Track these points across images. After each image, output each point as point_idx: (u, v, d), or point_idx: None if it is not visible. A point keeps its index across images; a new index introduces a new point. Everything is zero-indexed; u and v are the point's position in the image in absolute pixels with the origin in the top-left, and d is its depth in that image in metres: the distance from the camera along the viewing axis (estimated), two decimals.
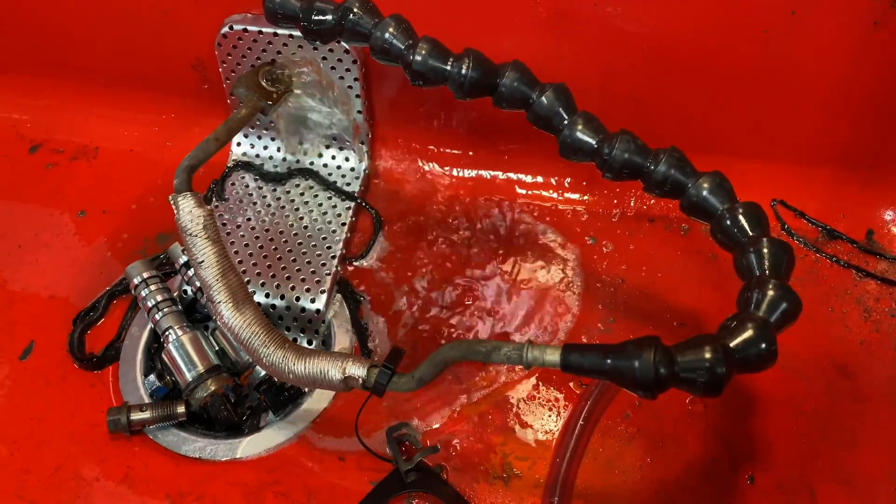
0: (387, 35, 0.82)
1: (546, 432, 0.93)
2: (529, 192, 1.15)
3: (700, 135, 1.08)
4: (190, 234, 0.85)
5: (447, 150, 1.17)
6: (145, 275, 1.01)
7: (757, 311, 0.68)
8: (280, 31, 1.03)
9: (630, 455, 0.90)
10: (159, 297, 1.00)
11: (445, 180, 1.17)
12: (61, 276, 1.07)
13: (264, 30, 1.03)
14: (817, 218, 1.08)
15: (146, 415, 0.94)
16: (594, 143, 0.80)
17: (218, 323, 0.88)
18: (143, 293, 1.00)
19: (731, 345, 0.66)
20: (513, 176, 1.15)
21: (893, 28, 0.91)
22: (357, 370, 0.80)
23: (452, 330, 1.02)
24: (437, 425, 0.93)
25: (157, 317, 0.99)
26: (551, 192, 1.14)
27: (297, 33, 0.90)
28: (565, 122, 0.81)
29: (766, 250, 0.72)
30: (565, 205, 1.13)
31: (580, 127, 0.80)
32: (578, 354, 0.67)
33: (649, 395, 0.65)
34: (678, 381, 0.65)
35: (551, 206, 1.13)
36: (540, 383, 0.97)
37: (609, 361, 0.65)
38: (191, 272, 1.02)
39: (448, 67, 0.81)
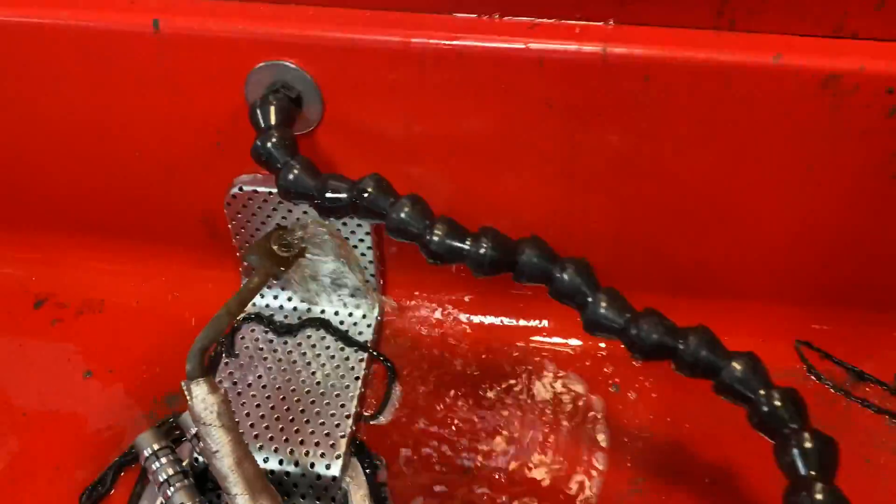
0: (402, 216, 0.81)
1: None
2: (547, 339, 1.12)
3: (721, 278, 1.07)
4: (204, 424, 0.82)
5: (460, 296, 1.15)
6: (156, 446, 0.98)
7: None
8: None
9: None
10: (171, 471, 0.96)
11: (460, 328, 1.14)
12: (68, 447, 1.03)
13: (273, 191, 1.02)
14: (844, 360, 1.05)
15: None
16: (621, 322, 0.78)
17: None
18: (153, 466, 0.97)
19: None
20: (529, 323, 1.13)
21: None
22: None
23: (476, 496, 0.98)
24: None
25: (169, 492, 0.95)
26: (570, 338, 1.12)
27: None
28: (588, 299, 0.79)
29: (809, 446, 0.69)
30: (585, 351, 1.11)
31: (604, 305, 0.78)
32: None
33: None
34: None
35: (572, 353, 1.11)
36: None
37: None
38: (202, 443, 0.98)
39: (466, 247, 0.80)
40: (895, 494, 0.94)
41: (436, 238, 0.80)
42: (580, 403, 1.05)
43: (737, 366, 0.74)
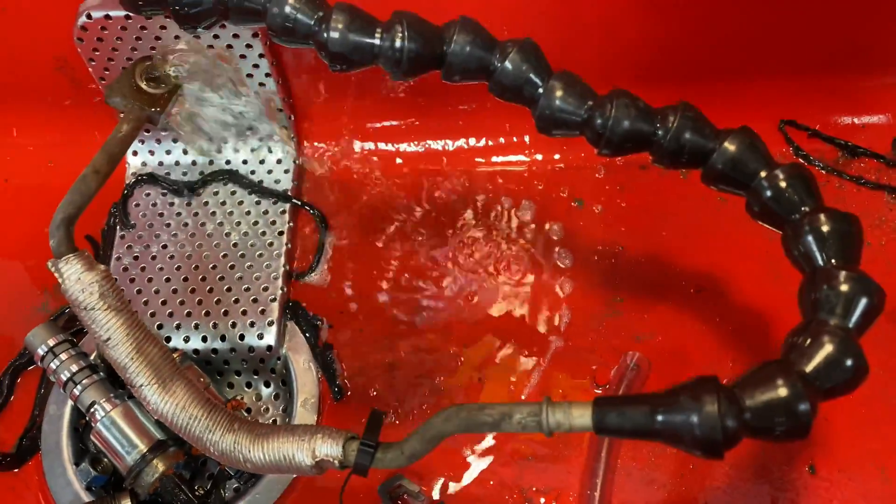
0: (287, 9, 0.61)
1: (568, 454, 0.78)
2: (494, 159, 0.96)
3: (690, 58, 0.90)
4: (85, 308, 0.66)
5: (389, 123, 0.97)
6: (51, 342, 0.82)
7: (830, 316, 0.53)
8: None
9: (669, 464, 0.76)
10: (74, 368, 0.81)
11: (392, 159, 0.97)
12: None
13: (132, 14, 0.80)
14: (834, 135, 0.92)
15: None
16: (582, 112, 0.61)
17: (145, 409, 0.70)
18: (52, 365, 0.81)
19: (809, 370, 0.51)
20: (472, 142, 0.96)
21: None
22: (331, 448, 0.63)
23: (432, 341, 0.86)
24: (436, 469, 0.78)
25: (77, 392, 0.80)
26: (521, 154, 0.96)
27: None
28: (539, 90, 0.62)
29: (825, 229, 0.55)
30: (539, 166, 0.95)
31: (560, 94, 0.62)
32: (616, 414, 0.51)
33: (716, 455, 0.49)
34: (751, 432, 0.49)
35: (523, 171, 0.95)
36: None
37: (660, 418, 0.50)
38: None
39: (377, 41, 0.61)
40: None
41: (335, 34, 0.61)
42: (536, 226, 0.91)
43: (730, 146, 0.60)
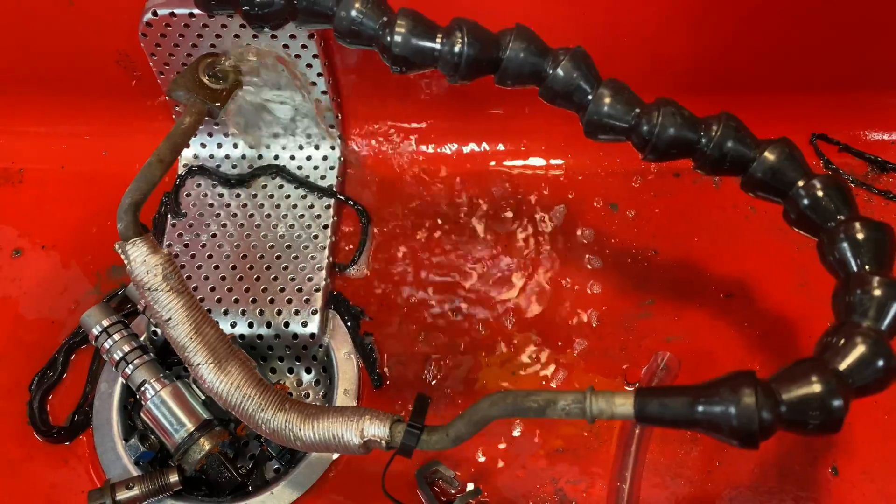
0: (353, 13, 0.65)
1: (598, 447, 0.81)
2: (531, 162, 0.99)
3: (725, 71, 0.93)
4: (149, 289, 0.70)
5: (431, 123, 1.00)
6: (105, 323, 0.86)
7: (863, 318, 0.56)
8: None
9: (695, 460, 0.79)
10: (126, 348, 0.85)
11: (431, 159, 1.01)
12: (6, 334, 0.92)
13: (196, 11, 0.84)
14: (864, 150, 0.94)
15: (135, 492, 0.80)
16: (630, 118, 0.65)
17: (201, 387, 0.74)
18: (106, 345, 0.85)
19: (842, 368, 0.53)
20: (509, 146, 1.00)
21: None
22: (378, 429, 0.67)
23: (467, 335, 0.89)
24: (471, 457, 0.81)
25: (128, 371, 0.84)
26: (558, 158, 0.99)
27: None
28: (589, 96, 0.65)
29: (861, 237, 0.58)
30: (576, 171, 0.98)
31: (608, 101, 0.65)
32: (658, 403, 0.54)
33: (751, 445, 0.52)
34: (786, 425, 0.52)
35: (560, 175, 0.98)
36: None
37: (700, 409, 0.53)
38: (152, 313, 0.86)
39: (437, 46, 0.65)
40: None
41: (398, 38, 0.64)
42: (571, 229, 0.94)
43: (770, 155, 0.63)
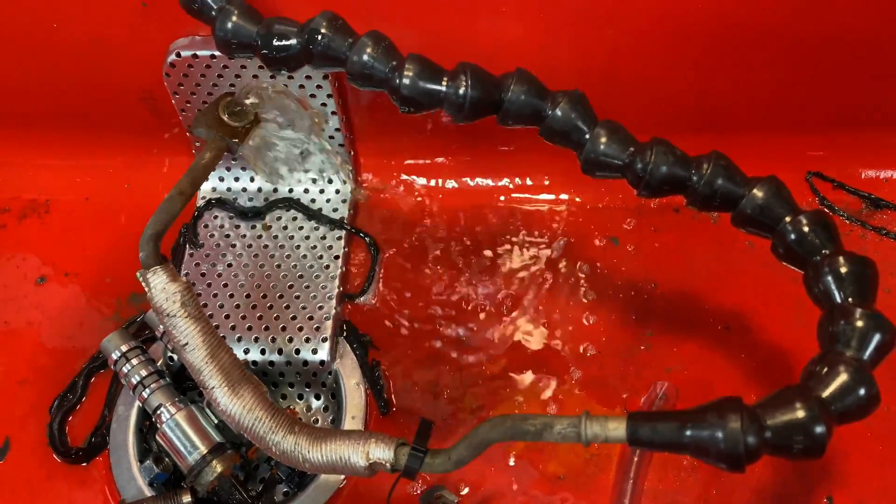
0: (365, 58, 0.69)
1: (598, 474, 0.83)
2: (534, 197, 1.03)
3: (723, 110, 0.97)
4: (168, 315, 0.73)
5: (438, 159, 1.04)
6: (124, 348, 0.89)
7: (846, 348, 0.58)
8: None
9: (693, 489, 0.81)
10: (144, 372, 0.88)
11: (437, 193, 1.05)
12: (29, 358, 0.95)
13: (217, 53, 0.89)
14: (858, 187, 0.97)
15: None
16: (624, 157, 0.68)
17: (214, 410, 0.77)
18: (124, 369, 0.89)
19: (825, 395, 0.56)
20: (515, 181, 1.04)
21: None
22: (383, 453, 0.69)
23: (471, 365, 0.92)
24: (474, 481, 0.84)
25: (145, 395, 0.88)
26: (560, 193, 1.02)
27: None
28: (586, 136, 0.69)
29: (844, 270, 0.61)
30: (578, 206, 1.02)
31: (604, 140, 0.69)
32: (649, 427, 0.57)
33: (737, 468, 0.55)
34: (771, 449, 0.55)
35: (563, 210, 1.02)
36: None
37: (689, 433, 0.55)
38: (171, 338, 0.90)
39: (443, 88, 0.69)
40: None
41: (406, 80, 0.69)
42: (573, 262, 0.98)
43: (758, 192, 0.66)
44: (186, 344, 0.74)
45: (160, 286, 0.74)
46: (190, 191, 0.81)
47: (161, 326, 0.91)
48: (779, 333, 0.90)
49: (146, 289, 0.74)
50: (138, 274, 0.74)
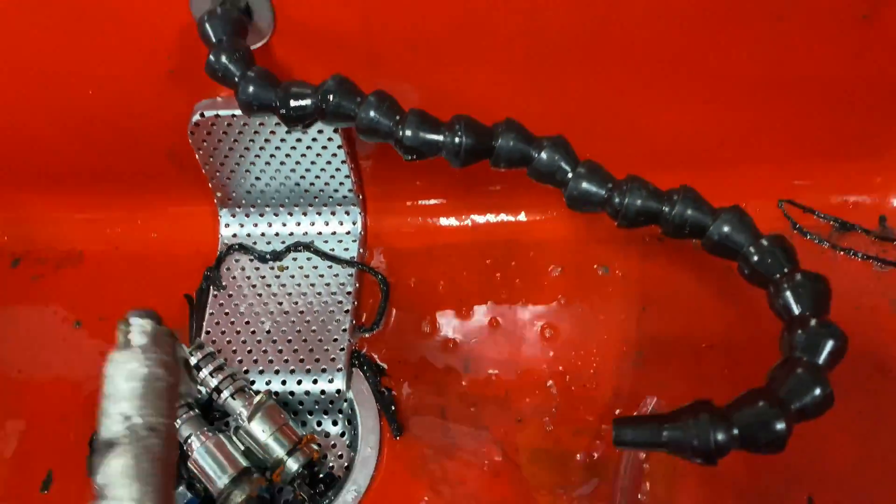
0: (372, 114, 0.78)
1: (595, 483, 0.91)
2: (531, 230, 1.12)
3: (698, 146, 1.06)
4: None
5: (437, 201, 1.14)
6: None
7: (804, 353, 0.66)
8: None
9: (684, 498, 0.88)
10: None
11: (439, 231, 1.14)
12: (68, 396, 1.03)
13: (237, 112, 0.99)
14: (828, 212, 1.06)
15: None
16: (603, 193, 0.77)
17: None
18: None
19: (784, 395, 0.63)
20: (511, 217, 1.13)
21: (884, 20, 0.88)
22: None
23: (477, 388, 1.00)
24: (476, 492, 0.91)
25: (177, 424, 0.96)
26: (551, 227, 1.11)
27: None
28: (569, 175, 0.78)
29: (801, 287, 0.69)
30: (569, 238, 1.11)
31: (585, 178, 0.77)
32: (632, 430, 0.64)
33: (710, 462, 0.62)
34: (738, 443, 0.62)
35: (555, 242, 1.10)
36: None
37: (666, 433, 0.63)
38: (202, 374, 0.98)
39: (441, 138, 0.78)
40: (888, 335, 0.96)
41: (408, 133, 0.78)
42: (566, 288, 1.06)
43: (723, 221, 0.74)
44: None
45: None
46: None
47: (188, 354, 0.99)
48: (757, 350, 0.97)
49: None
50: None
